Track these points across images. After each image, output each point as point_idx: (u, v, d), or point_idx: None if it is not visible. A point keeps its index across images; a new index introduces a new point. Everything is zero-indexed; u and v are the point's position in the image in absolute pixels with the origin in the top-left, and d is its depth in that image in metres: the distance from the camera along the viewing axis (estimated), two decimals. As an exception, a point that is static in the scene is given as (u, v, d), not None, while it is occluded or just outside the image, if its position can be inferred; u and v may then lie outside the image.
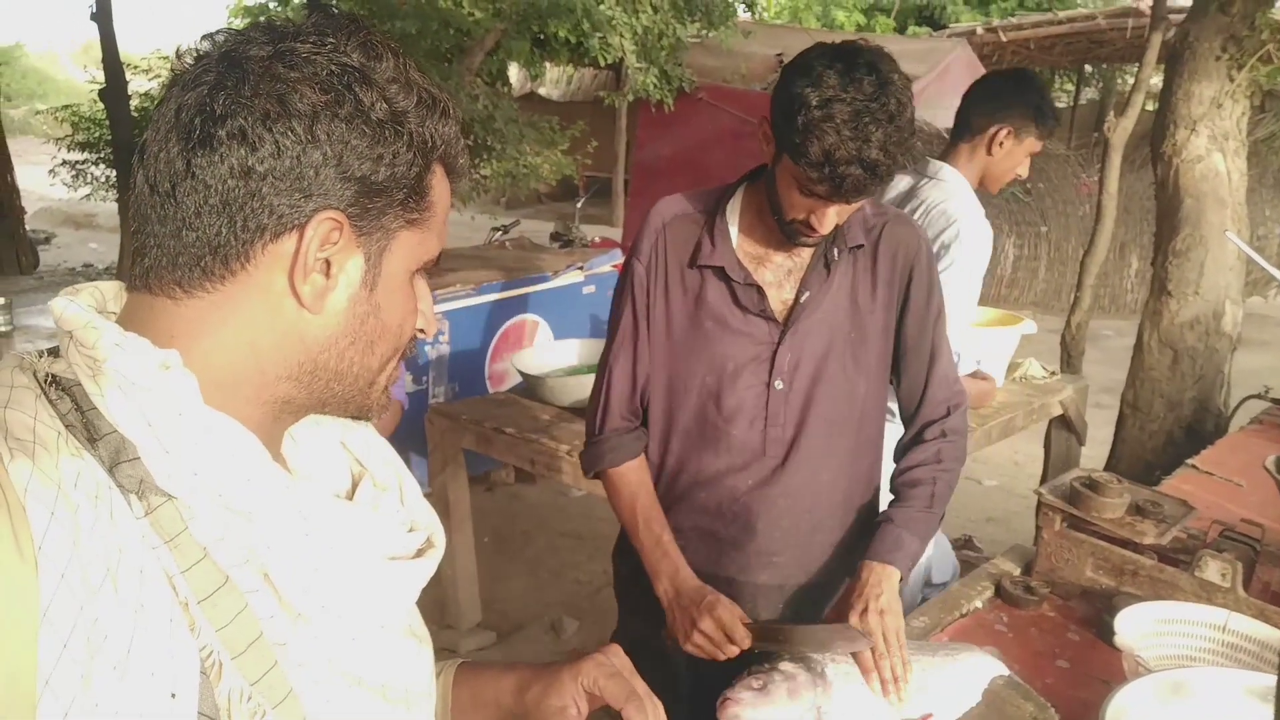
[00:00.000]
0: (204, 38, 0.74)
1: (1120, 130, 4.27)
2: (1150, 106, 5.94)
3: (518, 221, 6.55)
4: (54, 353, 0.72)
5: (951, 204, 2.47)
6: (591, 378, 3.25)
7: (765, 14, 11.04)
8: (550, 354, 3.63)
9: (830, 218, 1.54)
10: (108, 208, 10.86)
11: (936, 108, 8.87)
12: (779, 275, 1.71)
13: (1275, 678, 1.55)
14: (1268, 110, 6.60)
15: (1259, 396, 3.42)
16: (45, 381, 0.70)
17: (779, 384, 1.71)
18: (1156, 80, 5.47)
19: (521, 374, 3.45)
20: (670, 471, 1.83)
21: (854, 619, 1.58)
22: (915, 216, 2.47)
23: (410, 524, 0.84)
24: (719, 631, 1.59)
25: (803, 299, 1.69)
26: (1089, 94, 17.29)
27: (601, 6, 6.82)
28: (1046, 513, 2.05)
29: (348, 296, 0.75)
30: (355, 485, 0.87)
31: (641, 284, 1.74)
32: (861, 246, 1.71)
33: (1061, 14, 12.47)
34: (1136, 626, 1.78)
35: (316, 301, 0.73)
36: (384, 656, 0.81)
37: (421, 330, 0.84)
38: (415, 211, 0.77)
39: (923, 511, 1.73)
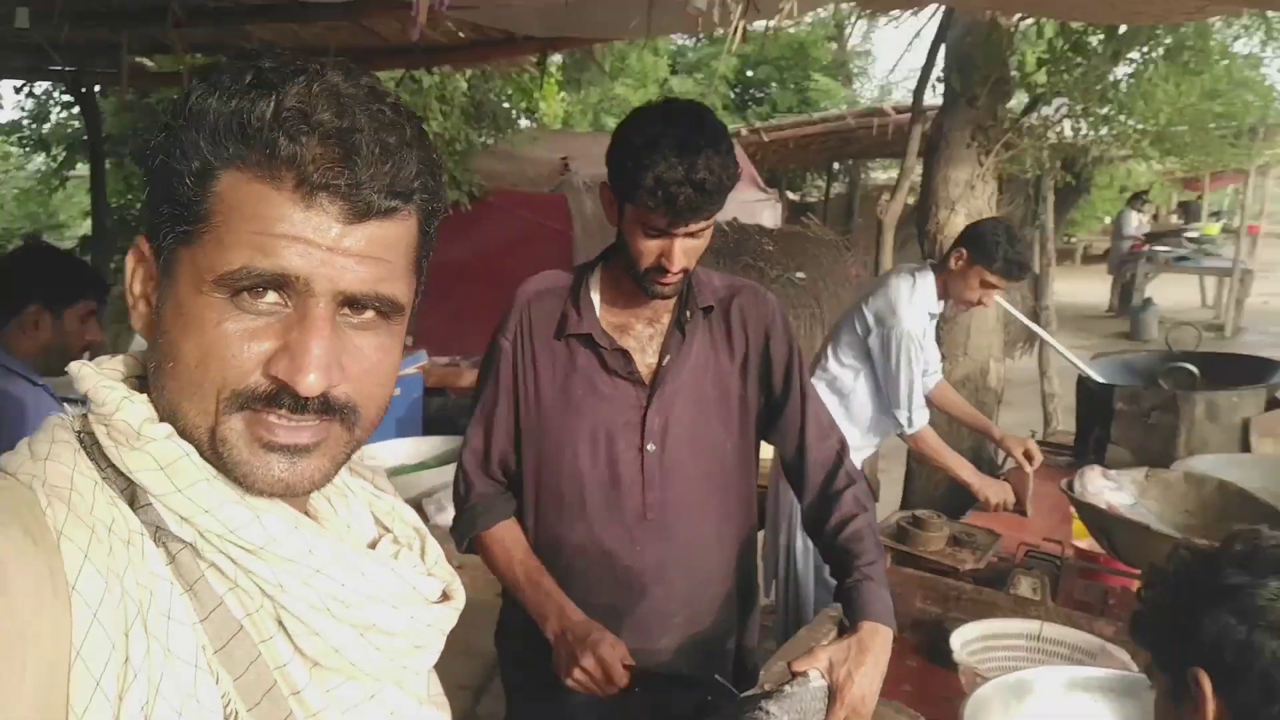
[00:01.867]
0: None
1: (891, 212, 4.75)
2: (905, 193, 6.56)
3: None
4: None
5: (900, 302, 3.13)
6: (417, 476, 3.28)
7: (544, 119, 11.44)
8: (374, 454, 3.58)
9: (678, 253, 1.64)
10: None
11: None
12: (641, 341, 1.80)
13: (1094, 670, 1.77)
14: (1004, 192, 7.43)
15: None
16: (80, 439, 0.72)
17: (651, 446, 1.77)
18: (892, 174, 6.09)
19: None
20: (553, 547, 1.82)
21: (848, 692, 1.53)
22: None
23: (428, 572, 0.84)
24: (600, 670, 1.60)
25: (665, 361, 1.78)
26: (837, 188, 18.71)
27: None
28: (879, 551, 2.23)
29: (151, 323, 0.73)
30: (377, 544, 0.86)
31: (508, 359, 1.78)
32: (711, 309, 1.83)
33: (816, 115, 13.55)
34: (967, 644, 1.98)
35: (141, 329, 0.74)
36: (402, 715, 0.80)
37: (277, 379, 0.69)
38: (186, 223, 0.69)
39: (880, 559, 1.75)
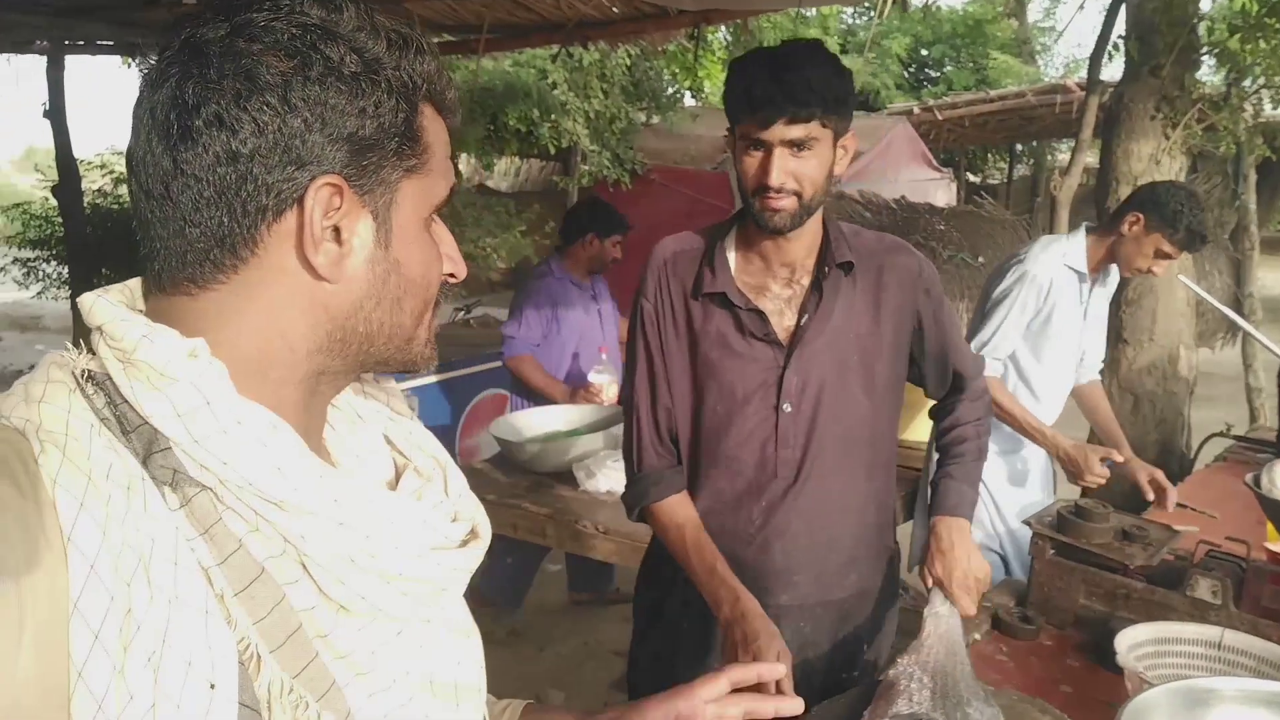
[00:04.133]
0: (164, 33, 0.72)
1: (1066, 188, 4.46)
2: (1086, 176, 6.16)
3: (479, 300, 6.60)
4: (92, 350, 0.71)
5: (1039, 248, 2.95)
6: (570, 442, 3.29)
7: (710, 98, 11.37)
8: (528, 421, 3.62)
9: (775, 164, 1.60)
10: (54, 308, 10.67)
11: (881, 180, 9.14)
12: (778, 304, 1.77)
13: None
14: (1199, 170, 6.92)
15: (1221, 435, 3.51)
16: (81, 377, 0.69)
17: (787, 406, 1.75)
18: (1091, 160, 5.73)
19: (500, 441, 3.43)
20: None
21: (935, 568, 1.80)
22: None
23: (454, 514, 0.83)
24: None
25: (803, 322, 1.74)
26: (1020, 170, 17.91)
27: (555, 92, 7.01)
28: (1037, 542, 2.08)
29: (365, 259, 0.73)
30: (399, 477, 0.84)
31: (652, 320, 1.80)
32: (851, 266, 1.76)
33: (993, 93, 12.94)
34: (1136, 647, 1.80)
35: (333, 270, 0.71)
36: (431, 650, 0.80)
37: (450, 275, 0.82)
38: (412, 158, 0.75)
39: (974, 462, 1.94)
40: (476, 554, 0.82)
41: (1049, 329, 2.92)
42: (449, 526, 0.80)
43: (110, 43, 5.56)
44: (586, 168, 8.32)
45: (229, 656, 0.64)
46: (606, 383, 3.67)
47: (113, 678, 0.60)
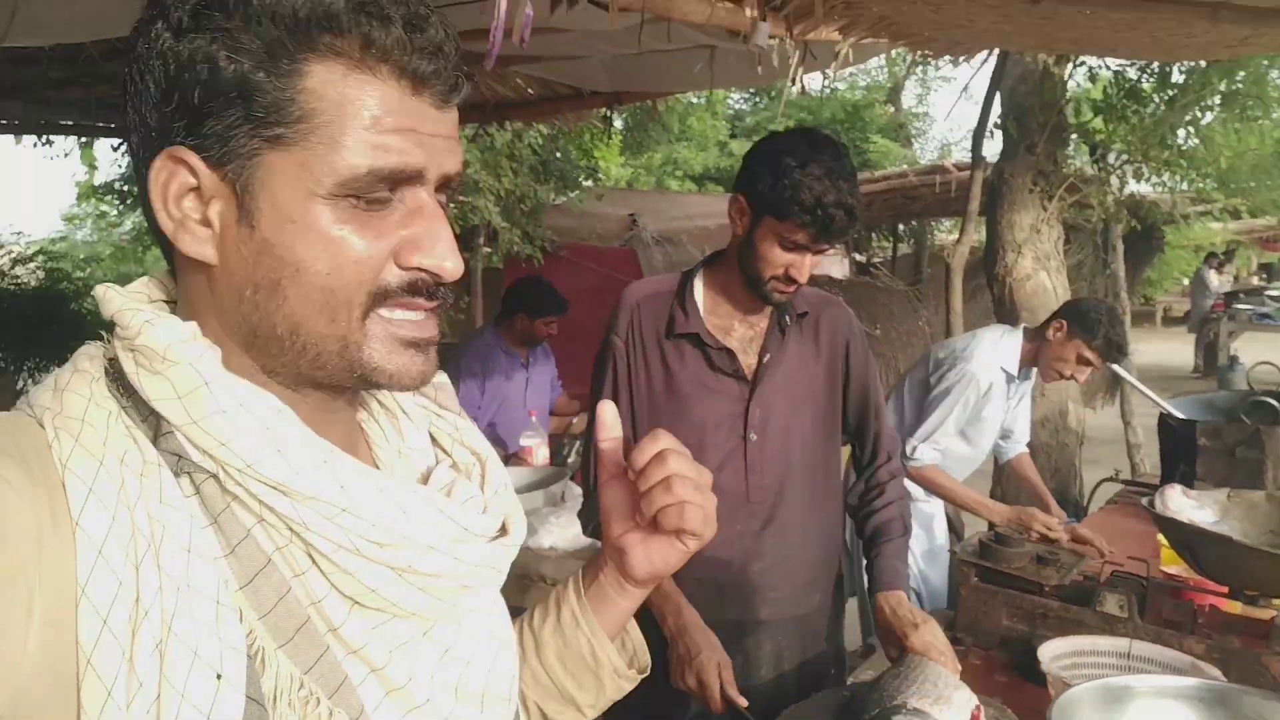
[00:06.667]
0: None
1: (959, 256, 4.80)
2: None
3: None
4: None
5: (979, 346, 3.18)
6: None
7: (607, 179, 11.69)
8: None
9: (807, 267, 1.79)
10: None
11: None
12: (742, 343, 1.94)
13: (1186, 680, 1.77)
14: (1072, 242, 7.45)
15: (1111, 479, 3.78)
16: (109, 367, 0.69)
17: (753, 436, 1.92)
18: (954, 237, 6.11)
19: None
20: None
21: (915, 641, 1.78)
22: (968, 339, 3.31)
23: (484, 507, 0.77)
24: (700, 691, 1.76)
25: (765, 360, 1.92)
26: (903, 249, 18.68)
27: (469, 170, 7.12)
28: (963, 568, 2.26)
29: (232, 239, 0.66)
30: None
31: (621, 355, 1.93)
32: (806, 315, 1.98)
33: (878, 174, 13.58)
34: (1056, 658, 1.98)
35: (203, 251, 0.67)
36: (459, 655, 0.76)
37: (422, 269, 0.68)
38: (276, 126, 0.64)
39: (901, 539, 2.03)
40: (506, 550, 0.77)
41: (979, 421, 3.22)
42: (476, 518, 0.74)
43: (17, 121, 5.51)
44: (487, 250, 8.44)
45: (238, 648, 0.62)
46: (537, 445, 3.77)
47: (122, 664, 0.58)
